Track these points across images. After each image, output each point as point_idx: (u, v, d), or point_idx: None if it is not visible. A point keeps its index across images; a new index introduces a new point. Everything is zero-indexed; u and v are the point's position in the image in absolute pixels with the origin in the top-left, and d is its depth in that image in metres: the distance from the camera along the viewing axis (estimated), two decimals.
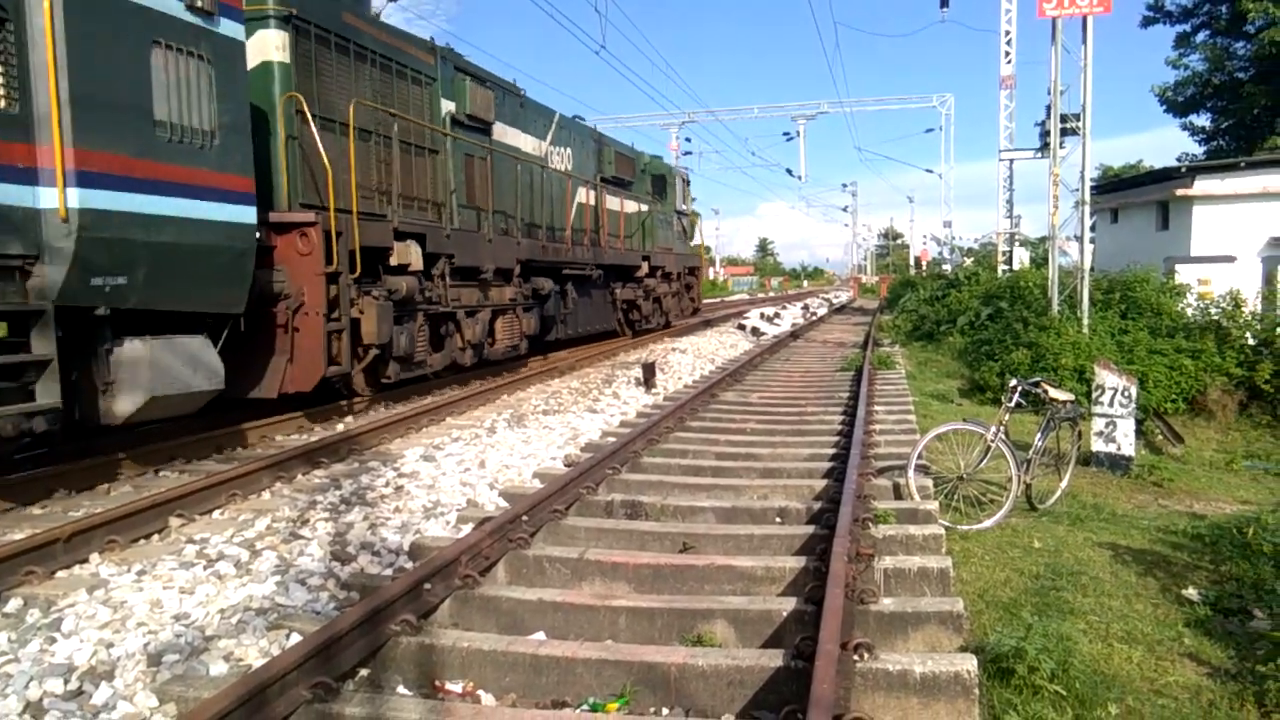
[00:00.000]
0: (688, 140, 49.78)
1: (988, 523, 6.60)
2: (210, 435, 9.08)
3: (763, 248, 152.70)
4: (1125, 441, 8.83)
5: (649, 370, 13.71)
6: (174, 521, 6.39)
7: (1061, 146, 16.93)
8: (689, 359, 18.10)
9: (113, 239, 7.02)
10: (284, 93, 9.54)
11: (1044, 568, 5.74)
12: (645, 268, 22.24)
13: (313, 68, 10.10)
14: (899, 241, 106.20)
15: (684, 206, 26.73)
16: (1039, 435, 7.43)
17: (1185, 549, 6.23)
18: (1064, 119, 16.74)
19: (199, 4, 7.79)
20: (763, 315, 33.55)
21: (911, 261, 66.70)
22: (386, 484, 7.49)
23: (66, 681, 3.97)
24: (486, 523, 5.63)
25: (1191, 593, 5.33)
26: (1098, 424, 8.90)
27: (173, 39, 7.58)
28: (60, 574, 5.41)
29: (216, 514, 6.75)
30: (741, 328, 27.70)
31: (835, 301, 54.60)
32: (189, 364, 7.84)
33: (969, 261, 36.95)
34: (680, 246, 26.25)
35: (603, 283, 19.66)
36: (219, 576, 5.27)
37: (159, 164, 7.46)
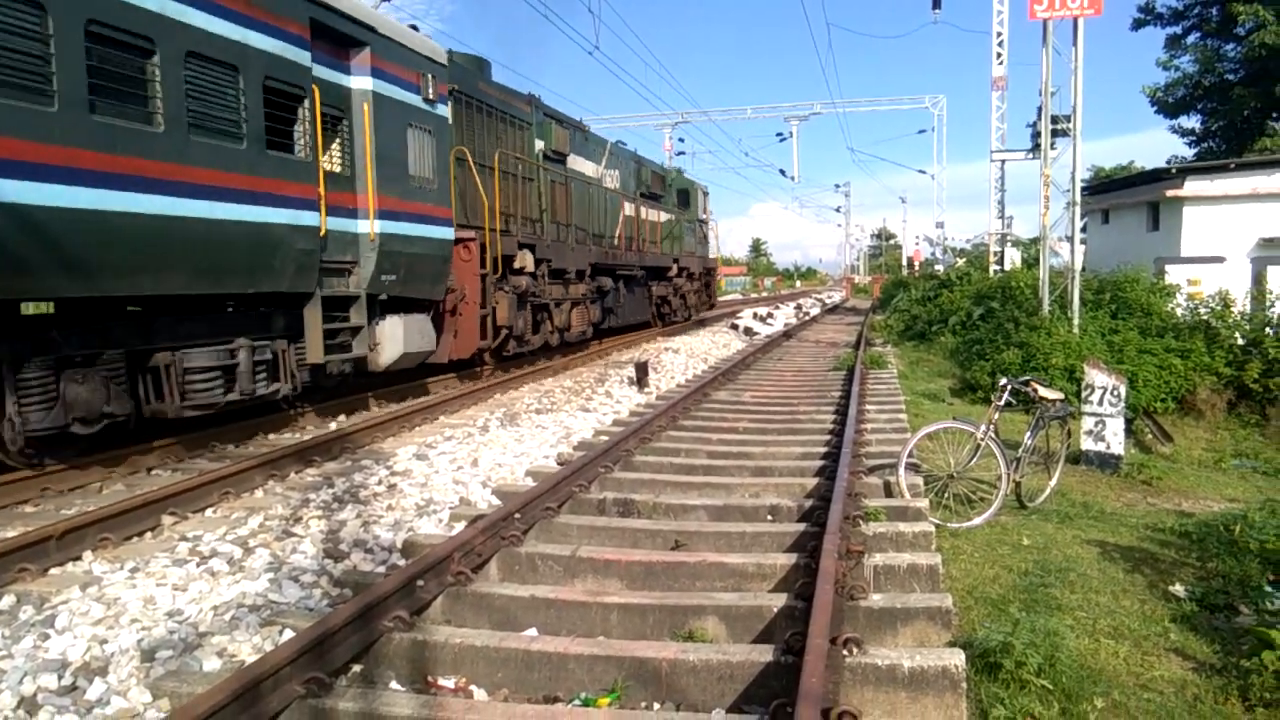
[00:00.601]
0: (681, 140, 49.95)
1: (977, 520, 6.64)
2: (202, 434, 9.09)
3: (756, 248, 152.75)
4: (1114, 440, 8.89)
5: (642, 369, 13.74)
6: (167, 519, 6.41)
7: (1053, 147, 17.01)
8: (682, 358, 18.13)
9: (392, 251, 10.70)
10: (453, 146, 12.65)
11: (1033, 565, 5.78)
12: (675, 269, 26.08)
13: (463, 125, 13.45)
14: (892, 242, 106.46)
15: (704, 216, 30.64)
16: (1029, 434, 7.49)
17: (1173, 546, 6.28)
18: (1055, 120, 16.82)
19: (429, 96, 11.67)
20: (756, 315, 33.61)
21: (904, 262, 66.85)
22: (379, 482, 7.51)
23: (60, 677, 3.98)
24: (479, 520, 5.66)
25: (1178, 589, 5.38)
26: (1087, 423, 8.96)
27: (415, 120, 11.38)
28: (53, 571, 5.42)
29: (209, 512, 6.77)
30: (734, 327, 27.75)
31: (828, 302, 54.72)
32: (420, 333, 11.57)
33: (961, 262, 37.05)
34: (701, 250, 30.15)
35: (643, 281, 23.02)
36: (212, 574, 5.28)
37: (411, 203, 11.23)
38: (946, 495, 7.01)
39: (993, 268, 28.98)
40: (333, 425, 10.30)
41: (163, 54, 7.43)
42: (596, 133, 20.62)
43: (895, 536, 5.69)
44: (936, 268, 42.15)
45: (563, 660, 4.06)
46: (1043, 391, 7.57)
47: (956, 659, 3.76)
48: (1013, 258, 30.07)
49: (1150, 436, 11.35)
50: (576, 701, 3.93)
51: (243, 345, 8.72)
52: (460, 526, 6.04)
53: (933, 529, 5.87)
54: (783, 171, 52.32)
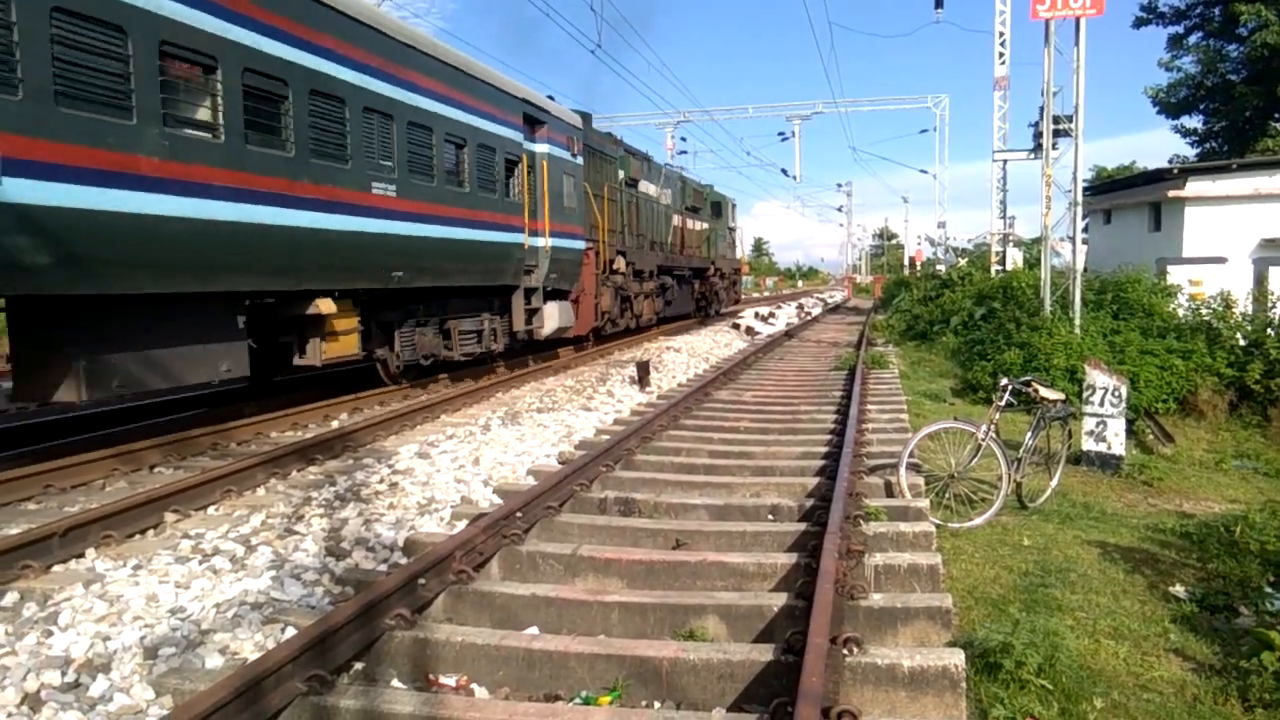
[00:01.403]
0: (683, 140, 50.00)
1: (978, 520, 6.65)
2: (204, 432, 9.11)
3: (758, 247, 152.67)
4: (1116, 441, 8.89)
5: (643, 369, 13.75)
6: (169, 517, 6.42)
7: (1054, 147, 17.01)
8: (683, 357, 18.14)
9: (557, 258, 15.77)
10: (580, 182, 17.63)
11: (1033, 565, 5.79)
12: (711, 269, 31.61)
13: (584, 165, 18.10)
14: (894, 241, 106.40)
15: (732, 224, 36.68)
16: (1029, 434, 7.49)
17: (1173, 547, 6.29)
18: (1057, 120, 16.82)
19: (574, 151, 17.02)
20: (757, 315, 33.60)
21: (906, 262, 66.79)
22: (381, 480, 7.52)
23: (64, 674, 4.00)
24: (481, 519, 5.67)
25: (1179, 590, 5.39)
26: (1088, 423, 8.97)
27: (567, 169, 16.70)
28: (56, 568, 5.44)
29: (211, 510, 6.78)
30: (736, 327, 27.74)
31: (830, 301, 54.68)
32: (566, 314, 16.42)
33: (963, 262, 37.02)
34: (730, 254, 36.22)
35: (689, 279, 28.37)
36: (214, 571, 5.30)
37: (565, 225, 16.41)
38: (947, 495, 7.01)
39: (994, 268, 28.95)
40: (335, 424, 10.32)
41: (470, 148, 13.06)
42: (660, 162, 26.47)
43: (896, 536, 5.70)
44: (938, 268, 42.10)
45: (564, 659, 4.07)
46: (1044, 392, 7.57)
47: (956, 659, 3.77)
48: (1014, 258, 30.04)
49: (1151, 437, 11.35)
50: (577, 700, 3.95)
51: (486, 317, 14.32)
52: (462, 525, 6.05)
53: (933, 529, 5.88)
54: (785, 171, 52.34)
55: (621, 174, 21.22)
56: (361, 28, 10.37)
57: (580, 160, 17.42)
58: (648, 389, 13.26)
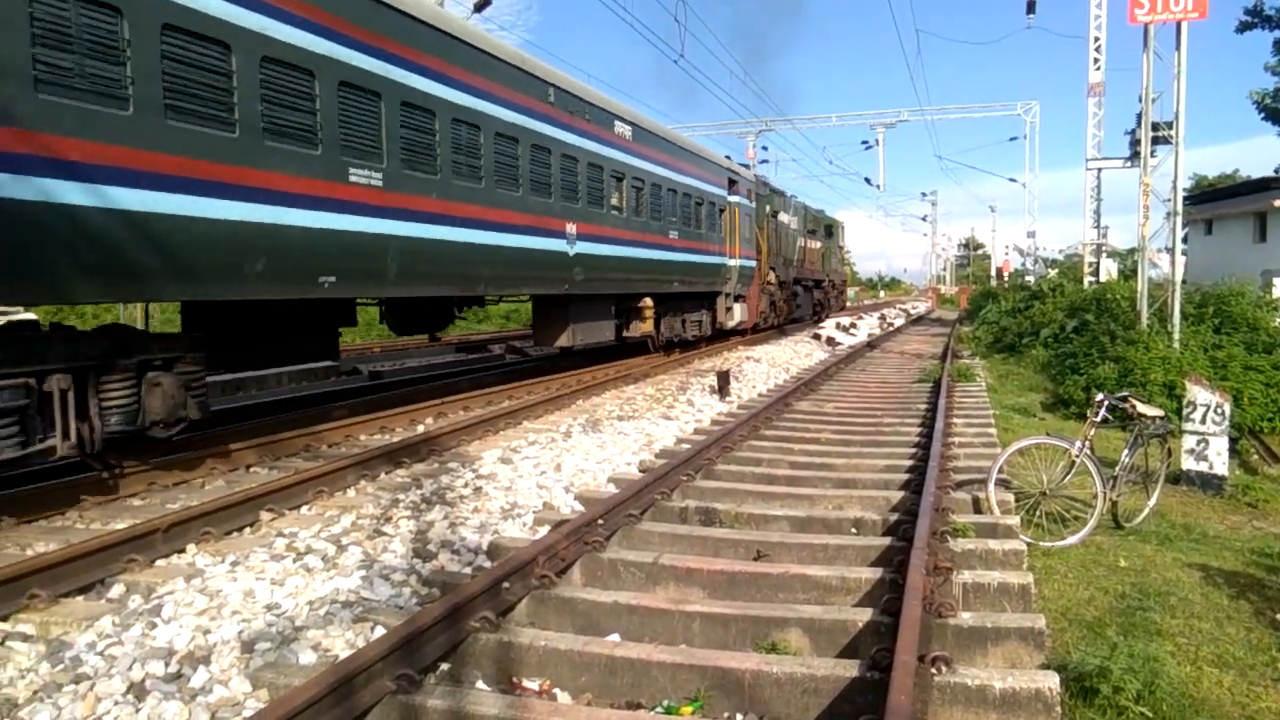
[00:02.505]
0: (764, 149, 49.75)
1: (1071, 540, 6.45)
2: (297, 434, 9.40)
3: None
4: (1218, 460, 8.52)
5: (724, 378, 13.70)
6: (265, 515, 6.64)
7: (1153, 155, 16.43)
8: (763, 367, 18.03)
9: (741, 274, 23.05)
10: (753, 220, 24.82)
11: (1130, 587, 5.59)
12: (826, 280, 38.25)
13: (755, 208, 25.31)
14: (980, 252, 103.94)
15: (842, 244, 43.98)
16: (1126, 451, 7.24)
17: None
18: (1155, 127, 16.24)
19: (750, 199, 24.39)
20: (838, 325, 33.21)
21: (993, 272, 65.19)
22: (465, 484, 7.65)
23: (167, 665, 4.16)
24: (563, 525, 5.73)
25: None
26: (1189, 441, 8.62)
27: (746, 211, 23.73)
28: (159, 563, 5.68)
29: (304, 509, 6.99)
30: (817, 337, 27.46)
31: (913, 312, 53.67)
32: (743, 312, 23.51)
33: (1053, 273, 35.97)
34: (839, 268, 43.83)
35: (809, 289, 34.30)
36: (307, 569, 5.45)
37: (744, 250, 23.33)
38: (1038, 513, 6.82)
39: (1087, 279, 28.08)
40: (420, 429, 10.53)
41: (705, 205, 20.45)
42: (791, 195, 32.27)
43: (985, 554, 5.56)
44: (1027, 278, 41.01)
45: (645, 667, 4.08)
46: (1141, 408, 7.31)
47: (1051, 681, 3.66)
48: (1108, 269, 29.09)
49: (1256, 457, 10.84)
50: (659, 709, 3.95)
51: (703, 311, 21.04)
52: (544, 530, 6.12)
53: (1024, 547, 5.72)
54: (868, 180, 51.55)
55: (769, 209, 27.00)
56: (658, 139, 17.62)
57: (753, 204, 24.73)
58: (728, 399, 13.21)
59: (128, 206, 6.54)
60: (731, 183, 22.65)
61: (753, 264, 24.06)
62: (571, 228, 13.63)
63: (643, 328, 17.47)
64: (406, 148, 9.64)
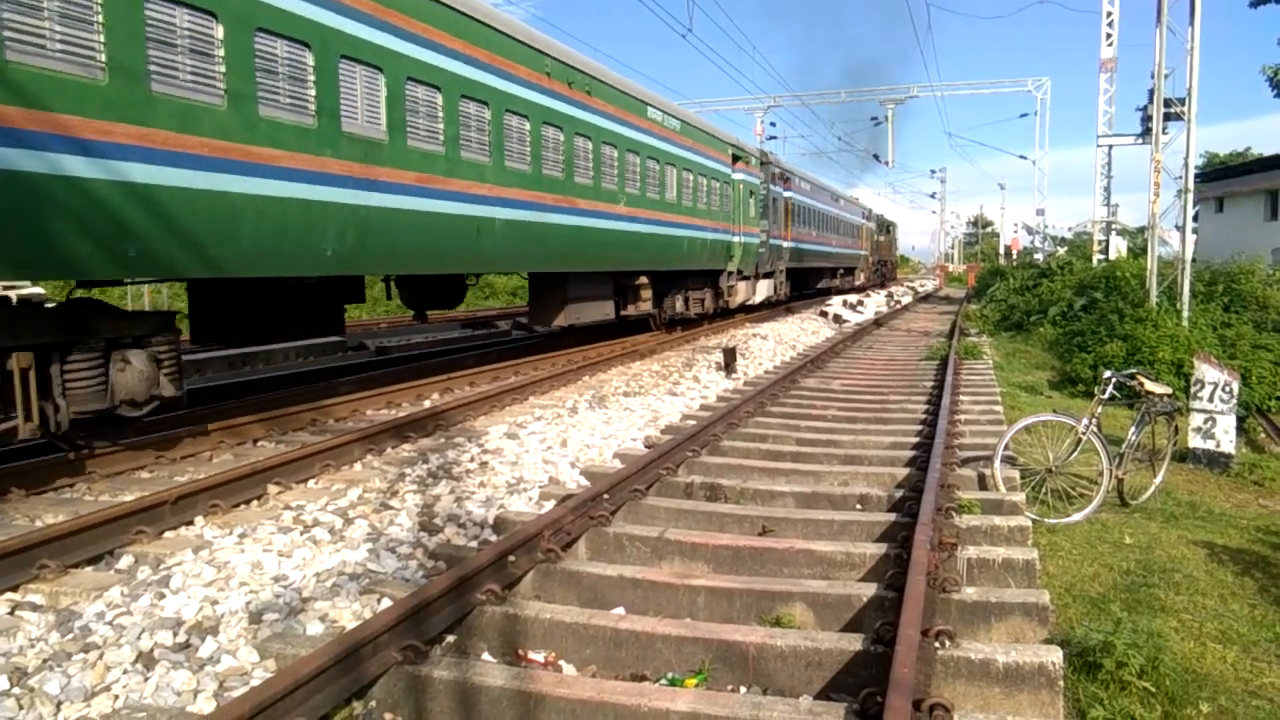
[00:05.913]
0: (773, 125, 49.21)
1: (1077, 516, 6.45)
2: (304, 409, 9.43)
3: None
4: (1225, 439, 8.50)
5: (730, 355, 13.69)
6: (272, 489, 6.67)
7: (1164, 132, 16.29)
8: (770, 344, 18.01)
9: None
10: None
11: (1135, 564, 5.59)
12: (888, 261, 52.33)
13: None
14: (988, 229, 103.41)
15: (893, 233, 60.17)
16: (1133, 429, 7.22)
17: None
18: (1168, 103, 16.09)
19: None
20: (846, 302, 33.08)
21: (1001, 250, 64.84)
22: (471, 459, 7.67)
23: (175, 634, 4.20)
24: (568, 499, 5.74)
25: None
26: (1196, 420, 8.59)
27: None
28: (168, 534, 5.72)
29: (311, 483, 7.02)
30: (824, 314, 27.39)
31: (920, 290, 53.49)
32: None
33: (1062, 250, 35.80)
34: (894, 252, 60.50)
35: (880, 264, 48.86)
36: (314, 542, 5.49)
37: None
38: (1044, 490, 6.81)
39: (1096, 257, 27.93)
40: (427, 403, 10.56)
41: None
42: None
43: (990, 530, 5.56)
44: (1036, 256, 40.81)
45: (650, 640, 4.10)
46: (1149, 385, 7.28)
47: (1054, 656, 3.67)
48: (1118, 246, 28.93)
49: (1264, 436, 10.81)
50: (664, 681, 3.97)
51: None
52: (550, 505, 6.13)
53: (1029, 523, 5.72)
54: (877, 156, 51.13)
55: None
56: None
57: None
58: (734, 375, 13.20)
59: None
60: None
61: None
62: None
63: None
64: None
